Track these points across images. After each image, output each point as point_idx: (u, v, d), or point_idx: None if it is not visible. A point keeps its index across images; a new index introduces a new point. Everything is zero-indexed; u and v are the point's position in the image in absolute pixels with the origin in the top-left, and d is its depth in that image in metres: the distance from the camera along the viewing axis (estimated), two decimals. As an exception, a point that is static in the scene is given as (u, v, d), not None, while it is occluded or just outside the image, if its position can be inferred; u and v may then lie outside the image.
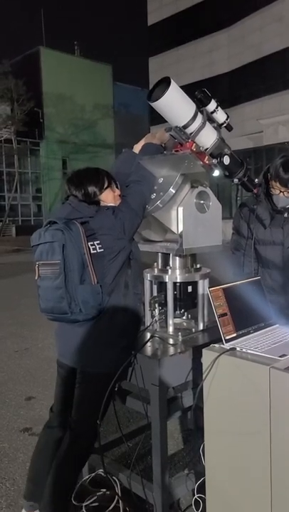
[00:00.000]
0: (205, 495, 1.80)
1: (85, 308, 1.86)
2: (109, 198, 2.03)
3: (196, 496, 1.96)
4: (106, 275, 1.92)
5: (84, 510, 2.19)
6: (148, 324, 2.32)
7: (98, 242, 1.89)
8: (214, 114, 2.04)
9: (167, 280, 2.24)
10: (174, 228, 2.14)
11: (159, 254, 2.34)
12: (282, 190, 2.27)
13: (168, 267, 2.30)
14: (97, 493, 2.29)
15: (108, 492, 2.26)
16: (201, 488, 1.88)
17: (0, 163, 31.37)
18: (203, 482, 1.81)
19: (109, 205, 2.02)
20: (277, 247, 2.40)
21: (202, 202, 2.20)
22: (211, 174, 2.09)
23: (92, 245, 1.88)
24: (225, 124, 2.10)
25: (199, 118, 1.97)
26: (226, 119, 2.09)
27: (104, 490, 2.29)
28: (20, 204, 32.91)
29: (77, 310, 1.85)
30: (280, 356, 1.57)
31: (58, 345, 2.16)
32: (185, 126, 1.95)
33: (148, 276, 2.34)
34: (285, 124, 17.60)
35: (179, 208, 2.12)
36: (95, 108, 34.84)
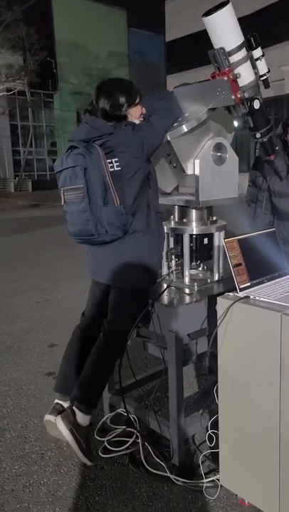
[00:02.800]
0: (218, 430, 1.94)
1: (111, 229, 1.95)
2: (136, 114, 2.06)
3: (209, 432, 2.11)
4: (126, 196, 1.98)
5: (106, 444, 2.38)
6: (165, 275, 2.40)
7: (116, 159, 1.94)
8: (257, 62, 2.01)
9: (184, 232, 2.30)
10: (189, 171, 2.15)
11: (176, 206, 2.39)
12: None
13: (184, 220, 2.35)
14: (118, 430, 2.48)
15: (128, 428, 2.45)
16: (214, 425, 2.02)
17: (14, 116, 30.88)
18: (216, 419, 1.95)
19: (131, 121, 2.04)
20: (294, 199, 2.42)
21: (219, 154, 2.21)
22: (238, 114, 2.05)
23: (110, 163, 1.92)
24: (264, 78, 2.06)
25: (244, 51, 1.96)
26: (267, 73, 2.06)
27: (124, 427, 2.47)
28: (35, 159, 32.67)
29: (104, 231, 1.96)
30: (291, 304, 1.64)
31: (89, 264, 2.28)
32: (229, 53, 1.93)
33: (165, 229, 2.39)
34: (308, 70, 16.77)
35: (196, 161, 2.14)
36: (109, 56, 33.56)
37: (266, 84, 2.09)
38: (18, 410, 2.82)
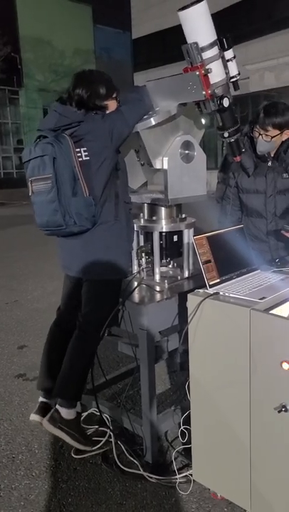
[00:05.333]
0: (190, 426, 1.95)
1: (79, 220, 1.93)
2: (113, 108, 2.05)
3: (181, 428, 2.12)
4: (94, 186, 1.97)
5: (78, 444, 2.35)
6: (135, 273, 2.40)
7: (84, 149, 1.93)
8: (229, 63, 2.03)
9: (153, 230, 2.30)
10: (158, 164, 2.16)
11: (145, 204, 2.38)
12: (261, 133, 2.31)
13: (154, 217, 2.36)
14: (90, 430, 2.45)
15: (100, 428, 2.43)
16: (187, 421, 2.03)
17: (-22, 113, 30.11)
18: (189, 415, 1.96)
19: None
20: (261, 195, 2.46)
21: (187, 152, 2.22)
22: (208, 111, 2.06)
23: (78, 152, 1.91)
24: (234, 79, 2.08)
25: (216, 49, 1.97)
26: (237, 75, 2.07)
27: (96, 426, 2.46)
28: (1, 156, 31.98)
29: (72, 222, 1.93)
30: (260, 299, 1.67)
31: (60, 257, 2.25)
32: (202, 49, 1.94)
33: (134, 227, 2.39)
34: (272, 70, 17.11)
35: (164, 159, 2.15)
36: (75, 53, 33.14)
37: (236, 86, 2.11)
38: (-12, 414, 2.76)
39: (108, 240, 2.07)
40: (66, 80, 32.70)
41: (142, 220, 2.40)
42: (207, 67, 1.95)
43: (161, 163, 2.16)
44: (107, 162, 1.98)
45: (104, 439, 2.33)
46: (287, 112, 2.30)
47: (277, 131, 2.30)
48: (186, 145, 2.21)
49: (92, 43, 35.70)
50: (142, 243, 2.43)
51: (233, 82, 2.08)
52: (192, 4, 1.90)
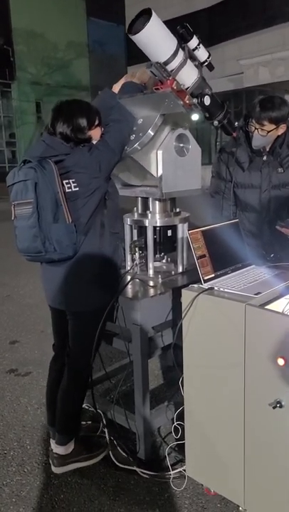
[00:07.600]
0: (184, 422, 1.94)
1: (60, 247, 1.88)
2: (97, 135, 2.00)
3: (175, 424, 2.11)
4: (81, 215, 1.92)
5: (71, 440, 2.33)
6: (129, 268, 2.38)
7: (73, 180, 1.88)
8: (196, 52, 1.98)
9: (147, 224, 2.28)
10: (153, 171, 2.14)
11: (139, 198, 2.36)
12: (257, 127, 2.29)
13: (148, 212, 2.33)
14: (83, 425, 2.44)
15: (93, 423, 2.42)
16: (180, 417, 2.02)
17: None
18: (182, 411, 1.95)
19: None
20: (255, 190, 2.44)
21: (182, 145, 2.20)
22: (190, 115, 2.05)
23: (67, 183, 1.87)
24: (206, 63, 2.04)
25: (181, 54, 1.91)
26: (208, 58, 2.03)
27: (89, 422, 2.44)
28: (-7, 150, 31.67)
29: (52, 249, 1.87)
30: (255, 294, 1.66)
31: (44, 289, 2.20)
32: (166, 63, 1.89)
33: (128, 221, 2.36)
34: (266, 65, 17.08)
35: (158, 152, 2.12)
36: (68, 46, 32.80)
37: (210, 67, 2.07)
38: (-21, 410, 2.73)
39: (90, 271, 2.01)
40: (59, 73, 32.42)
41: (135, 214, 2.37)
42: (177, 77, 1.90)
43: (156, 160, 2.12)
44: (98, 191, 1.95)
45: (96, 435, 2.32)
46: (284, 106, 2.28)
47: (273, 126, 2.27)
48: (181, 138, 2.19)
49: (86, 36, 35.30)
50: (135, 237, 2.40)
51: (206, 65, 2.04)
52: (139, 18, 1.78)
